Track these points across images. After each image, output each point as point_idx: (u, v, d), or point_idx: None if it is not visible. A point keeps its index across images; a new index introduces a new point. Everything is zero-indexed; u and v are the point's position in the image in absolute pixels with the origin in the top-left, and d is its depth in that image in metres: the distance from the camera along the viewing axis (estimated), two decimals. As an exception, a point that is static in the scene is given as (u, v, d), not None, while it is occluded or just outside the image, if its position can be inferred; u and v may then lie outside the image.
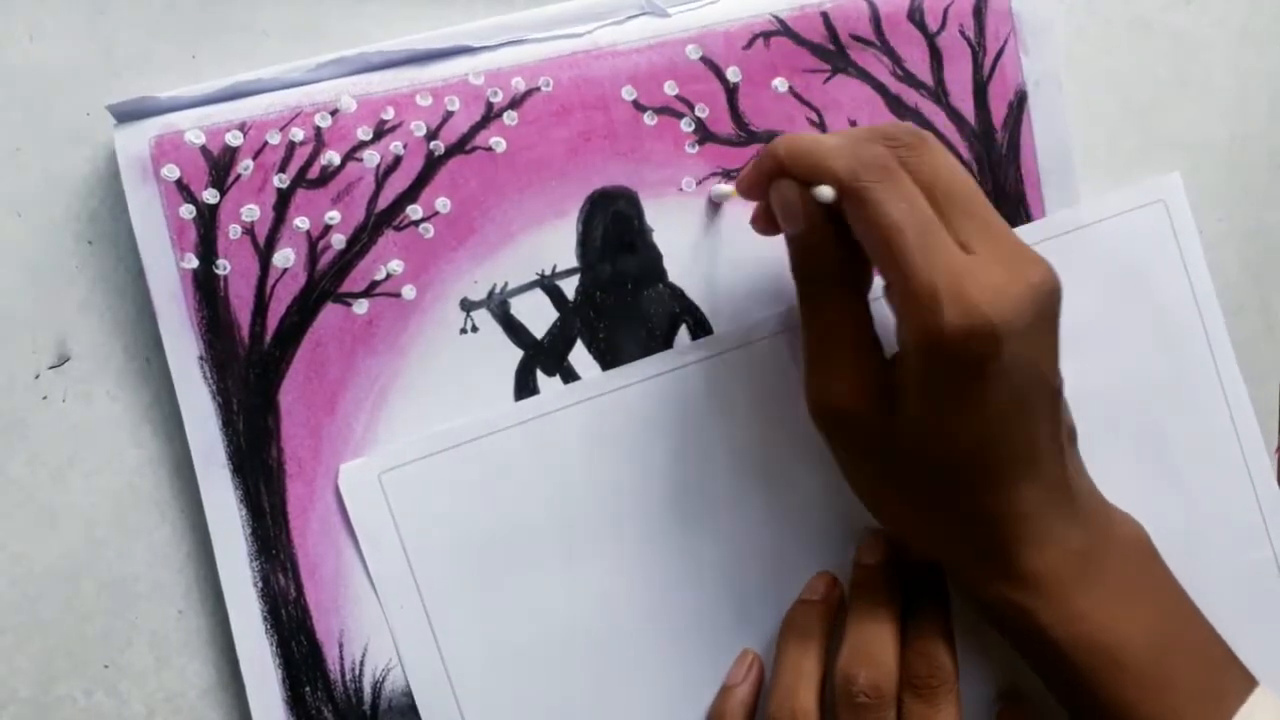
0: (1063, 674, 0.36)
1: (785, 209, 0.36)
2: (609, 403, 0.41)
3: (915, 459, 0.36)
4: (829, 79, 0.43)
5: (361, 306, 0.40)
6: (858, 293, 0.37)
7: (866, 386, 0.36)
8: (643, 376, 0.41)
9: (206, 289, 0.39)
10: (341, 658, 0.40)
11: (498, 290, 0.41)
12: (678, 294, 0.42)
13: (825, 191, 0.34)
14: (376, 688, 0.40)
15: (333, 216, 0.40)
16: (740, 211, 0.42)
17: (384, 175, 0.40)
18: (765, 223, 0.40)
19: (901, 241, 0.33)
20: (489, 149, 0.41)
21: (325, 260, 0.40)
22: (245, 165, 0.39)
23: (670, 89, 0.42)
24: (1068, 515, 0.36)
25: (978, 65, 0.44)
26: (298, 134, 0.39)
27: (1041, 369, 0.35)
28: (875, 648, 0.38)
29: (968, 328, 0.32)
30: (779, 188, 0.37)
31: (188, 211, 0.39)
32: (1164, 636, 0.36)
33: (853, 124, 0.43)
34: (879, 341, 0.37)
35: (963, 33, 0.44)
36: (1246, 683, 0.37)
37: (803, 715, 0.38)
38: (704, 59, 0.42)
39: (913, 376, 0.34)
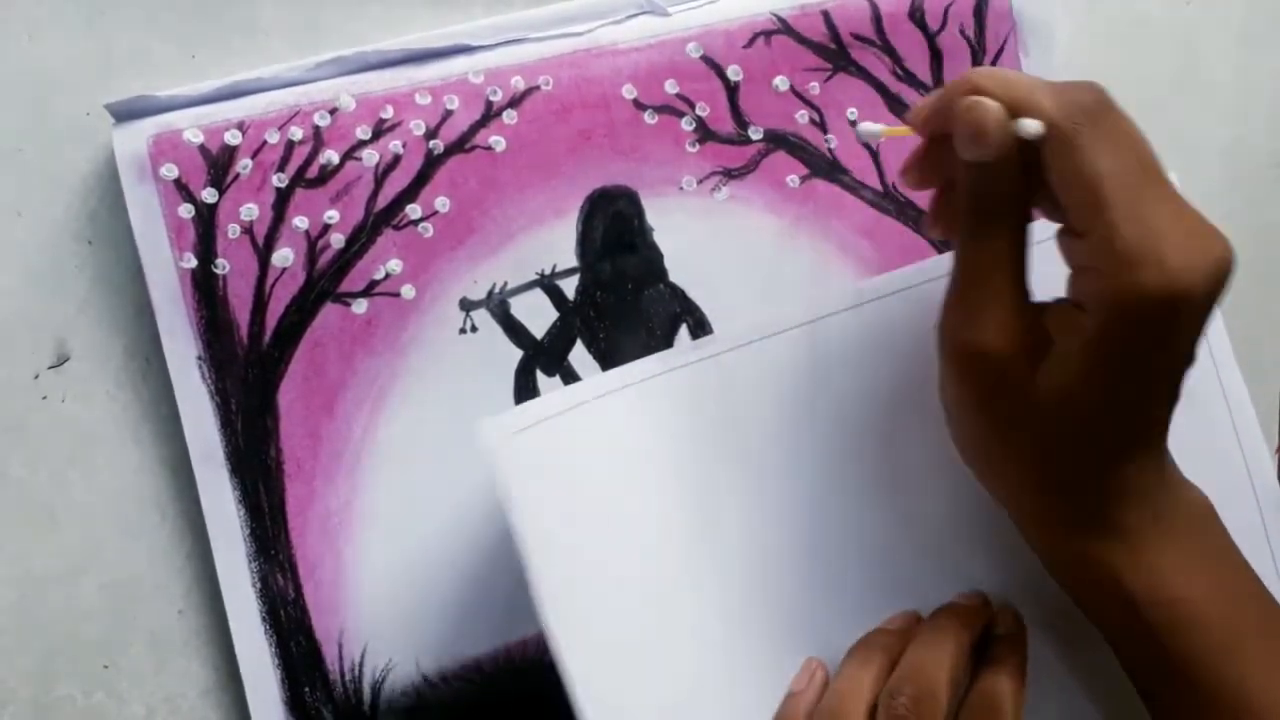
0: (1134, 630, 0.36)
1: (977, 131, 0.33)
2: (741, 359, 0.39)
3: (1048, 414, 0.35)
4: (830, 78, 0.43)
5: (360, 306, 0.40)
6: (1023, 234, 0.35)
7: (1017, 330, 0.35)
8: (772, 331, 0.40)
9: (205, 289, 0.39)
10: (341, 658, 0.40)
11: (497, 290, 0.41)
12: (678, 293, 0.42)
13: (1032, 125, 0.33)
14: (376, 688, 0.40)
15: (332, 216, 0.40)
16: (741, 211, 0.42)
17: (383, 174, 0.40)
18: (924, 168, 0.37)
19: (1111, 194, 0.32)
20: (488, 148, 0.41)
21: (324, 260, 0.40)
22: (244, 164, 0.39)
23: (670, 88, 0.42)
24: (1161, 483, 0.37)
25: (978, 65, 0.44)
26: (296, 133, 0.39)
27: (1193, 345, 0.35)
28: (930, 669, 0.37)
29: (1165, 295, 0.32)
30: (976, 106, 0.33)
31: (186, 211, 0.39)
32: (1235, 600, 0.36)
33: (853, 124, 0.43)
34: (1029, 292, 0.36)
35: (963, 32, 0.44)
36: None
37: (844, 718, 0.37)
38: (705, 58, 0.42)
39: (1087, 331, 0.33)
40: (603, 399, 0.38)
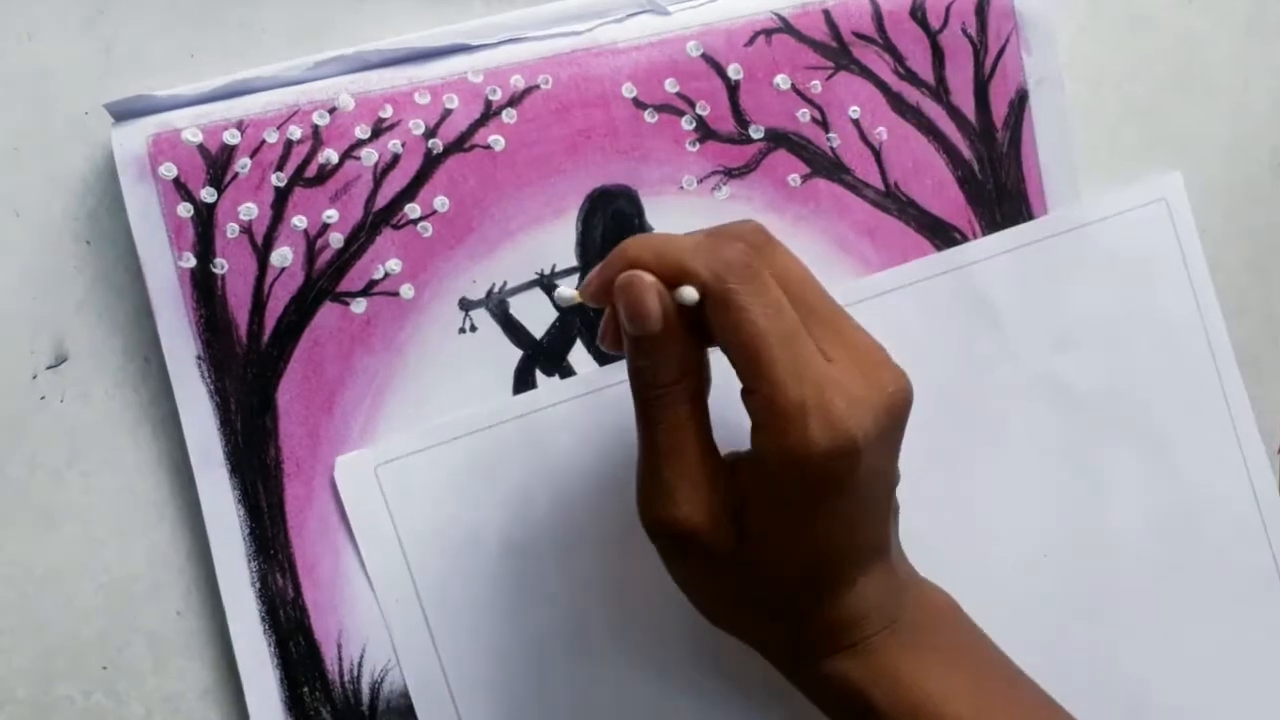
0: None
1: (637, 307, 0.33)
2: (605, 399, 0.41)
3: (759, 571, 0.35)
4: (831, 76, 0.43)
5: (359, 305, 0.40)
6: (702, 401, 0.35)
7: (713, 505, 0.34)
8: None
9: (204, 288, 0.39)
10: (340, 658, 0.39)
11: (497, 289, 0.41)
12: (678, 293, 0.42)
13: (689, 293, 0.32)
14: (375, 688, 0.40)
15: (331, 215, 0.40)
16: (742, 210, 0.42)
17: (382, 174, 0.40)
18: (616, 337, 0.35)
19: (768, 351, 0.32)
20: (488, 147, 0.41)
21: (323, 259, 0.40)
22: (243, 164, 0.39)
23: (671, 86, 0.42)
24: (895, 591, 0.36)
25: (979, 63, 0.44)
26: (295, 132, 0.39)
27: (888, 471, 0.35)
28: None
29: (834, 446, 0.32)
30: (632, 284, 0.33)
31: (185, 210, 0.39)
32: (987, 695, 0.36)
33: (854, 122, 0.43)
34: (718, 454, 0.35)
35: (965, 31, 0.44)
36: None
37: None
38: (705, 56, 0.42)
39: (766, 490, 0.34)
40: (470, 436, 0.40)
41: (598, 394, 0.41)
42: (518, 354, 0.41)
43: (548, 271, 0.41)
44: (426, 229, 0.40)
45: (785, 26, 0.42)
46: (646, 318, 0.33)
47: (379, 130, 0.40)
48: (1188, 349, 0.45)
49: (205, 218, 0.39)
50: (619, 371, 0.41)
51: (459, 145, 0.40)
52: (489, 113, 0.41)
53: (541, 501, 0.40)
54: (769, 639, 0.37)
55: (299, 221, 0.39)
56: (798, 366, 0.32)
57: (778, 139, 0.43)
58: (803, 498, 0.33)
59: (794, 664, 0.37)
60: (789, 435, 0.32)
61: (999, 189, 0.44)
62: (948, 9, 0.43)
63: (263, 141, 0.39)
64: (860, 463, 0.32)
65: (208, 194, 0.39)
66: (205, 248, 0.39)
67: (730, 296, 0.32)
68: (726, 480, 0.35)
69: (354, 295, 0.40)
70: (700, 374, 0.35)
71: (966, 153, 0.44)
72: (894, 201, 0.44)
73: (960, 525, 0.43)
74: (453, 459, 0.40)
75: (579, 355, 0.41)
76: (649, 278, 0.33)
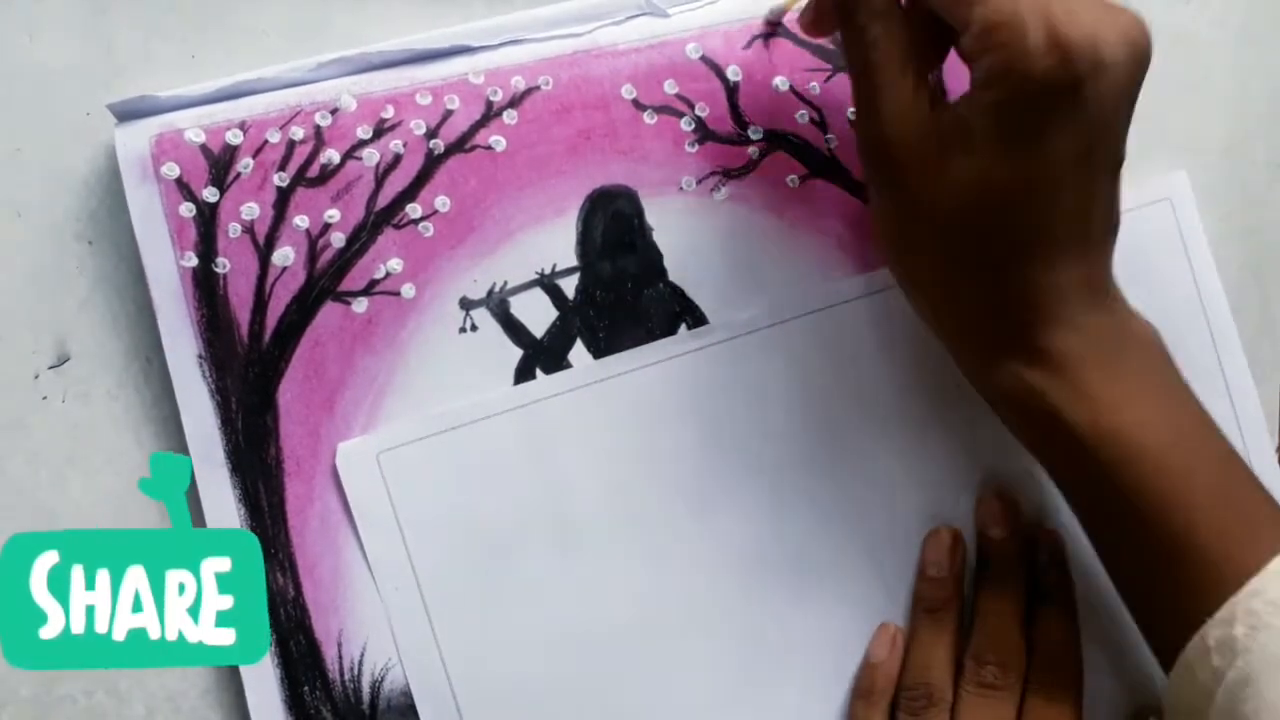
0: (1077, 464, 0.35)
1: None
2: (606, 389, 0.41)
3: (959, 208, 0.34)
4: (830, 78, 0.43)
5: (361, 305, 0.40)
6: (909, 27, 0.35)
7: (916, 115, 0.34)
8: (640, 364, 0.41)
9: (206, 287, 0.39)
10: (340, 657, 0.40)
11: (497, 289, 0.41)
12: (678, 293, 0.42)
13: None
14: (375, 687, 0.40)
15: (332, 215, 0.40)
16: (741, 211, 0.42)
17: (384, 174, 0.40)
18: (820, 19, 0.38)
19: None
20: (489, 148, 0.41)
21: (325, 259, 0.40)
22: (245, 164, 0.39)
23: (670, 88, 0.42)
24: (1097, 302, 0.35)
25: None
26: (298, 132, 0.39)
27: (1115, 133, 0.34)
28: (1006, 632, 0.39)
29: (1053, 52, 0.31)
30: None
31: (187, 210, 0.39)
32: (1182, 434, 0.35)
33: (853, 124, 0.43)
34: (927, 82, 0.35)
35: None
36: (1277, 516, 0.34)
37: (937, 691, 0.39)
38: (704, 58, 0.42)
39: (979, 110, 0.33)
40: (472, 425, 0.40)
41: (598, 385, 0.41)
42: (518, 353, 0.41)
43: (548, 271, 0.41)
44: (428, 229, 0.40)
45: (783, 29, 0.43)
46: None
47: (381, 131, 0.40)
48: (1192, 348, 0.45)
49: (207, 217, 0.39)
50: (618, 364, 0.41)
51: (460, 146, 0.41)
52: (490, 113, 0.41)
53: (542, 491, 0.40)
54: (948, 309, 0.37)
55: (301, 221, 0.40)
56: None
57: (776, 140, 0.43)
58: (1015, 118, 0.32)
59: (977, 358, 0.37)
60: (1002, 44, 0.31)
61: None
62: (946, 10, 0.43)
63: (265, 142, 0.39)
64: (1083, 88, 0.31)
65: (210, 194, 0.39)
66: (207, 247, 0.39)
67: None
68: (940, 111, 0.34)
69: (355, 295, 0.40)
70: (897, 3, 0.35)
71: (965, 154, 0.44)
72: (893, 202, 0.44)
73: (966, 514, 0.43)
74: (454, 447, 0.40)
75: (579, 355, 0.41)
76: None
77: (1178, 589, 0.33)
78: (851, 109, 0.43)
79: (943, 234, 0.35)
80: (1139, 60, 0.33)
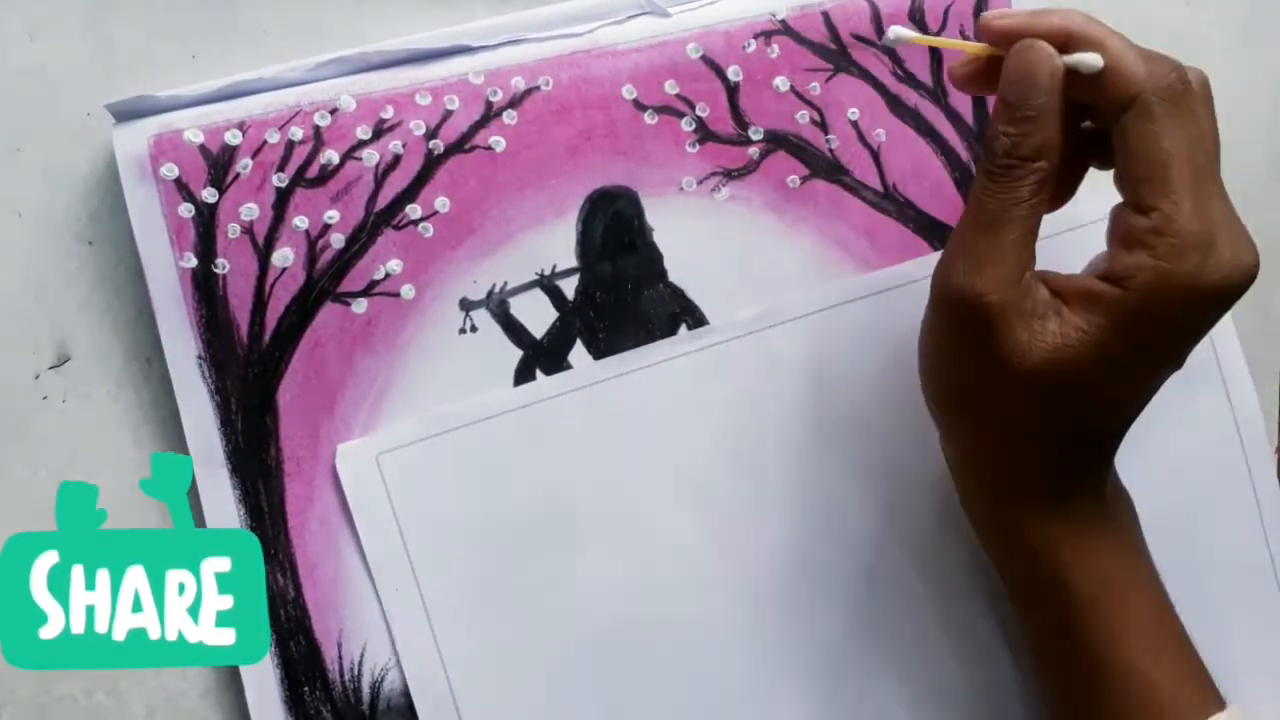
0: (1058, 606, 0.36)
1: (1025, 71, 0.33)
2: (606, 390, 0.41)
3: (1033, 379, 0.34)
4: (830, 78, 0.43)
5: (360, 306, 0.40)
6: (1045, 193, 0.34)
7: (1017, 285, 0.34)
8: (640, 365, 0.41)
9: (205, 288, 0.39)
10: (340, 658, 0.40)
11: (497, 290, 0.41)
12: (678, 294, 0.42)
13: (1092, 60, 0.32)
14: (375, 688, 0.40)
15: (332, 216, 0.40)
16: (741, 211, 0.42)
17: (383, 174, 0.40)
18: (977, 79, 0.36)
19: (1180, 171, 0.32)
20: (488, 148, 0.41)
21: (324, 259, 0.40)
22: (244, 164, 0.39)
23: (671, 88, 0.42)
24: (1109, 463, 0.37)
25: (978, 65, 0.44)
26: (297, 133, 0.39)
27: (1194, 345, 0.35)
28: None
29: (1213, 284, 0.32)
30: (1034, 50, 0.33)
31: (186, 210, 0.39)
32: (1160, 600, 0.37)
33: (853, 124, 0.43)
34: (1034, 254, 0.35)
35: (963, 33, 0.44)
36: (1218, 696, 0.37)
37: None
38: (705, 58, 0.42)
39: (1118, 308, 0.33)
40: (472, 426, 0.40)
41: (598, 386, 0.41)
42: (518, 354, 0.41)
43: (548, 272, 0.41)
44: (427, 229, 0.40)
45: (784, 29, 0.43)
46: (1031, 88, 0.33)
47: (380, 131, 0.40)
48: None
49: (206, 218, 0.39)
50: (619, 364, 0.41)
51: (460, 146, 0.41)
52: (490, 114, 0.41)
53: (542, 492, 0.40)
54: (982, 456, 0.37)
55: (300, 222, 0.40)
56: (1200, 200, 0.32)
57: (777, 140, 0.43)
58: (1139, 327, 0.33)
59: (991, 501, 0.38)
60: (1176, 260, 0.32)
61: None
62: (946, 11, 0.43)
63: (264, 142, 0.39)
64: (1205, 317, 0.33)
65: (209, 194, 0.39)
66: (206, 248, 0.39)
67: (1156, 109, 0.32)
68: (1035, 281, 0.34)
69: (355, 296, 0.40)
70: (1054, 163, 0.34)
71: (964, 155, 0.44)
72: (892, 203, 0.44)
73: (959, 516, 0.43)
74: (454, 448, 0.40)
75: (579, 356, 0.41)
76: (1052, 52, 0.33)
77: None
78: (853, 109, 0.43)
79: (1009, 397, 0.35)
80: (1244, 291, 0.34)
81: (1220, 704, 0.36)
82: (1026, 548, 0.37)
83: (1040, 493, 0.36)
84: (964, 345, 0.35)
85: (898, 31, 0.36)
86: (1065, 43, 0.33)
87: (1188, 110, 0.33)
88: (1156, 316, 0.33)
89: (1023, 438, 0.36)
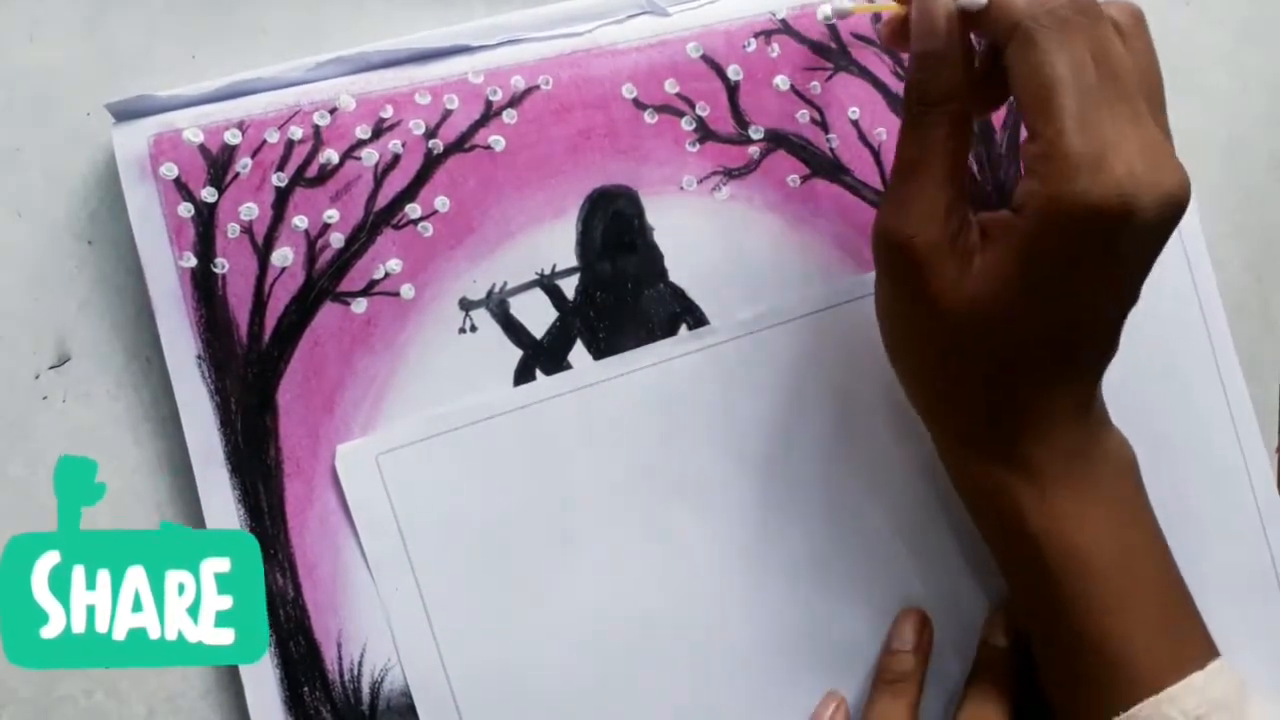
0: (1029, 565, 0.37)
1: (925, 19, 0.34)
2: (606, 390, 0.41)
3: (967, 320, 0.35)
4: (831, 77, 0.43)
5: (360, 305, 0.40)
6: (961, 132, 0.35)
7: (945, 224, 0.35)
8: (640, 365, 0.41)
9: (205, 288, 0.39)
10: (340, 658, 0.40)
11: (497, 289, 0.41)
12: (678, 293, 0.42)
13: None
14: (375, 688, 0.40)
15: (331, 215, 0.40)
16: (742, 210, 0.42)
17: (383, 174, 0.40)
18: (897, 36, 0.38)
19: (1060, 99, 0.32)
20: (488, 148, 0.41)
21: (324, 259, 0.40)
22: (244, 164, 0.39)
23: (671, 87, 0.42)
24: (1080, 420, 0.37)
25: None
26: (296, 132, 0.39)
27: (1136, 278, 0.35)
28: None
29: (1106, 203, 0.32)
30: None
31: (186, 210, 0.39)
32: (1133, 557, 0.37)
33: (854, 123, 0.43)
34: (964, 194, 0.36)
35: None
36: (1207, 646, 0.37)
37: None
38: (705, 57, 0.42)
39: (1019, 236, 0.33)
40: (472, 426, 0.40)
41: (598, 386, 0.41)
42: (518, 354, 0.41)
43: (548, 271, 0.41)
44: (427, 229, 0.40)
45: (784, 28, 0.43)
46: (930, 34, 0.34)
47: (380, 130, 0.40)
48: (1189, 348, 0.45)
49: (206, 218, 0.39)
50: (618, 365, 0.41)
51: (459, 145, 0.41)
52: (489, 113, 0.41)
53: (542, 492, 0.40)
54: (940, 409, 0.38)
55: (300, 221, 0.40)
56: (1086, 121, 0.32)
57: (777, 140, 0.43)
58: (1042, 255, 0.33)
59: (959, 455, 0.38)
60: (1061, 182, 0.32)
61: (998, 189, 0.44)
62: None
63: (264, 141, 0.39)
64: (1121, 238, 0.32)
65: (208, 194, 0.39)
66: (206, 248, 0.39)
67: (1036, 36, 0.32)
68: (968, 220, 0.35)
69: (354, 295, 0.40)
70: (964, 103, 0.35)
71: (966, 153, 0.44)
72: (893, 202, 0.44)
73: (958, 513, 0.43)
74: (454, 449, 0.40)
75: (579, 356, 0.41)
76: None
77: (1099, 689, 0.36)
78: (853, 107, 0.43)
79: (948, 336, 0.36)
80: (1175, 217, 0.34)
81: (1206, 657, 0.36)
82: (988, 496, 0.37)
83: (998, 441, 0.36)
84: (900, 288, 0.36)
85: (837, 4, 0.38)
86: None
87: (1074, 34, 0.32)
88: (1056, 241, 0.33)
89: (965, 380, 0.36)
